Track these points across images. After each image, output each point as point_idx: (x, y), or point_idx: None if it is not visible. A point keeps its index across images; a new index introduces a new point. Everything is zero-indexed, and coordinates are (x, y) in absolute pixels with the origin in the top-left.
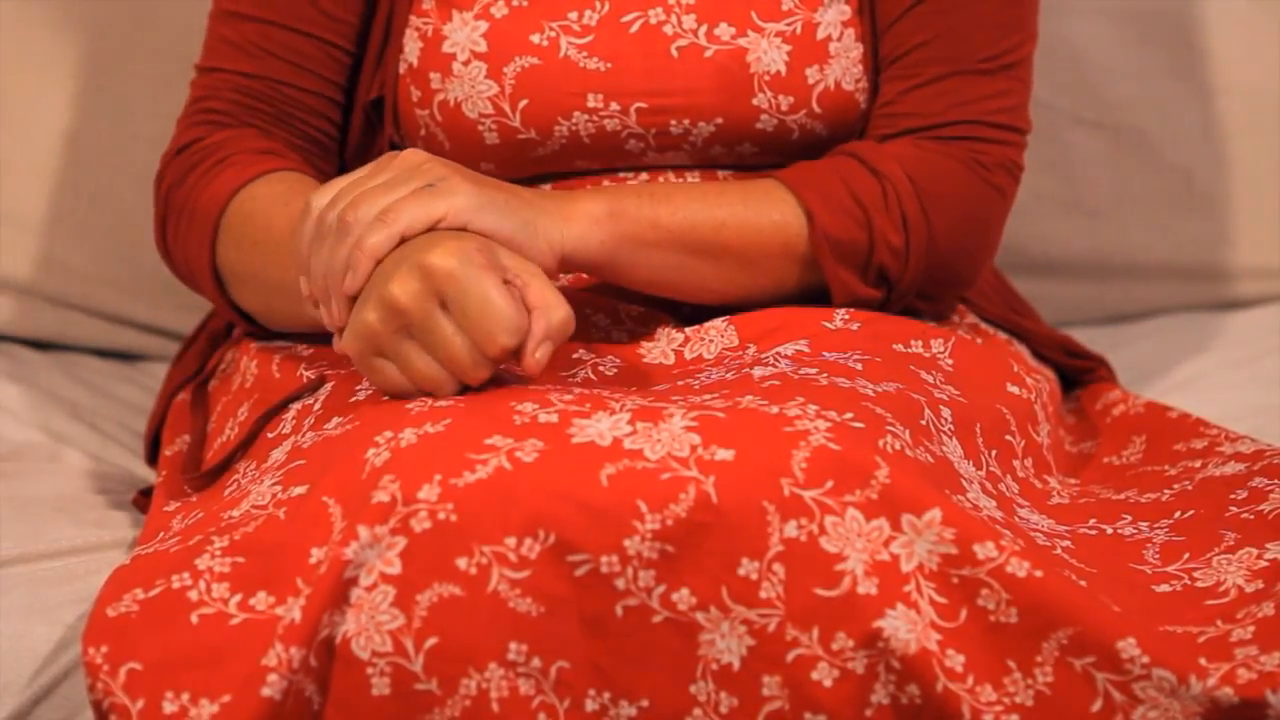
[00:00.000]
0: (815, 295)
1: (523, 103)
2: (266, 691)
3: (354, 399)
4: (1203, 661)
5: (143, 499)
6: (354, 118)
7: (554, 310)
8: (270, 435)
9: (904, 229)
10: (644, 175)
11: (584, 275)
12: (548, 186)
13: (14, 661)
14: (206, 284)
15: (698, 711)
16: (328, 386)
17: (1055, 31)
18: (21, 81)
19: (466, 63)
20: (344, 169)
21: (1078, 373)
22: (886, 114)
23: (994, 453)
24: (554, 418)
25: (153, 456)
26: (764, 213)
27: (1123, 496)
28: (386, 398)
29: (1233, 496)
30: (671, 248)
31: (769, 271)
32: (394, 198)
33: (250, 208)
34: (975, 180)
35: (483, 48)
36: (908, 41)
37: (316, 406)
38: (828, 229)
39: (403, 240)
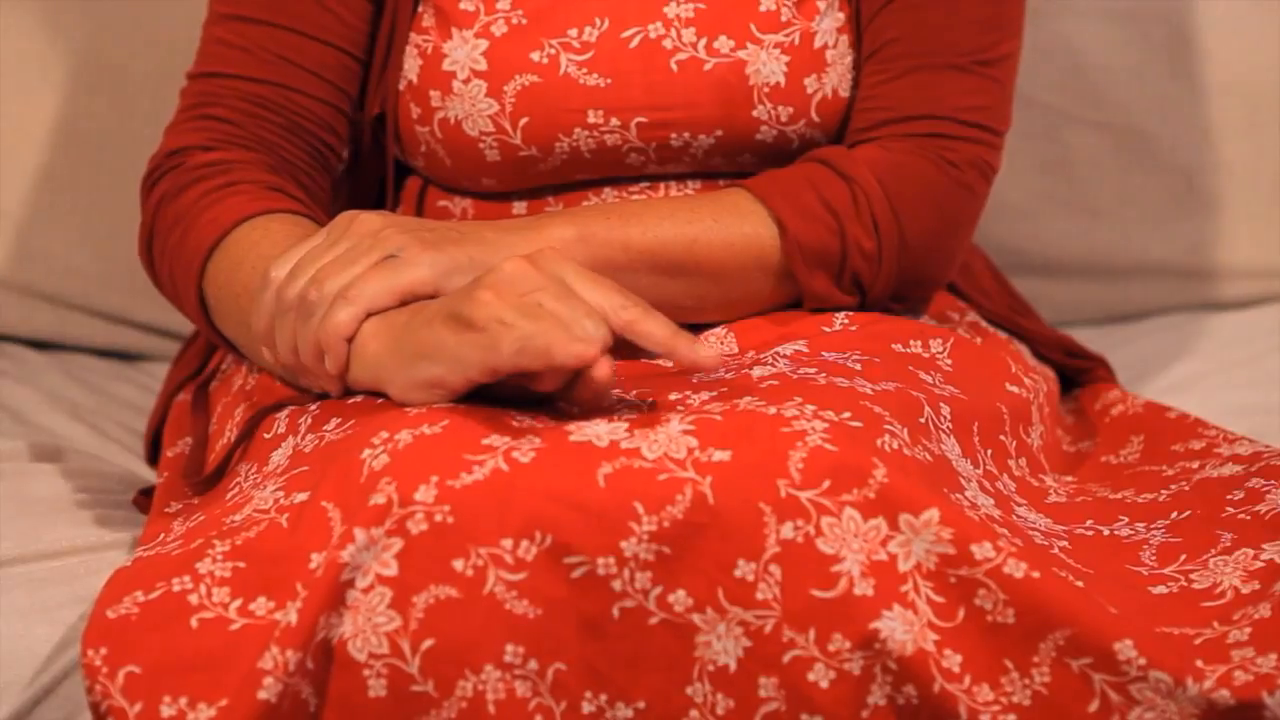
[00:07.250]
0: (791, 306)
1: (523, 120)
2: (263, 695)
3: (351, 400)
4: (1199, 663)
5: (143, 499)
6: (363, 134)
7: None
8: (266, 436)
9: (875, 233)
10: (644, 185)
11: None
12: (550, 198)
13: (14, 661)
14: (190, 307)
15: (694, 713)
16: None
17: (1055, 31)
18: (21, 81)
19: (466, 81)
20: (349, 189)
21: (1077, 373)
22: (860, 108)
23: (989, 452)
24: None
25: (153, 457)
26: (735, 226)
27: (1120, 496)
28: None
29: (1230, 497)
30: (643, 269)
31: (742, 285)
32: (354, 272)
33: (244, 253)
34: (944, 180)
35: (483, 66)
36: (882, 36)
37: (313, 407)
38: (800, 238)
39: (369, 316)
